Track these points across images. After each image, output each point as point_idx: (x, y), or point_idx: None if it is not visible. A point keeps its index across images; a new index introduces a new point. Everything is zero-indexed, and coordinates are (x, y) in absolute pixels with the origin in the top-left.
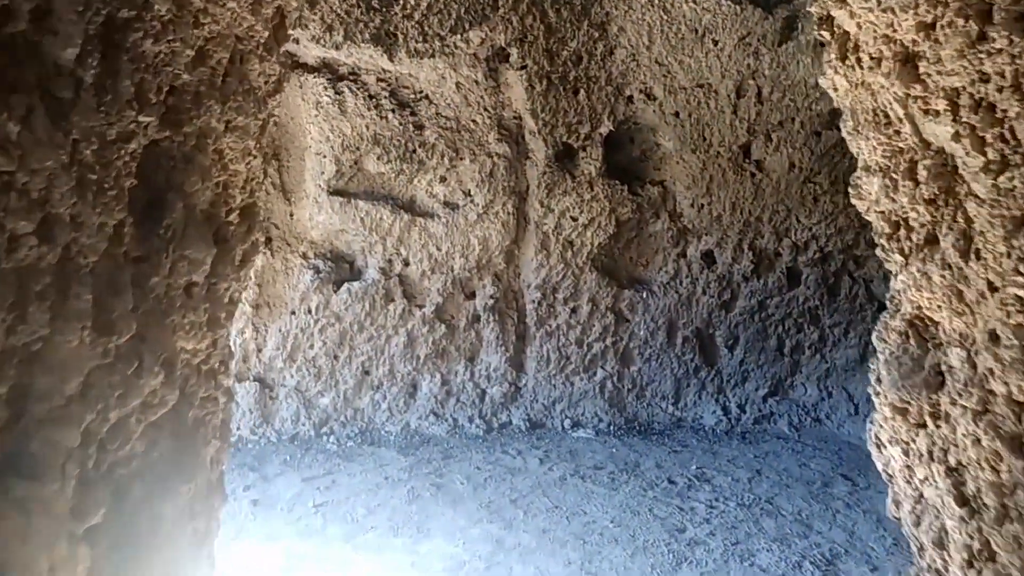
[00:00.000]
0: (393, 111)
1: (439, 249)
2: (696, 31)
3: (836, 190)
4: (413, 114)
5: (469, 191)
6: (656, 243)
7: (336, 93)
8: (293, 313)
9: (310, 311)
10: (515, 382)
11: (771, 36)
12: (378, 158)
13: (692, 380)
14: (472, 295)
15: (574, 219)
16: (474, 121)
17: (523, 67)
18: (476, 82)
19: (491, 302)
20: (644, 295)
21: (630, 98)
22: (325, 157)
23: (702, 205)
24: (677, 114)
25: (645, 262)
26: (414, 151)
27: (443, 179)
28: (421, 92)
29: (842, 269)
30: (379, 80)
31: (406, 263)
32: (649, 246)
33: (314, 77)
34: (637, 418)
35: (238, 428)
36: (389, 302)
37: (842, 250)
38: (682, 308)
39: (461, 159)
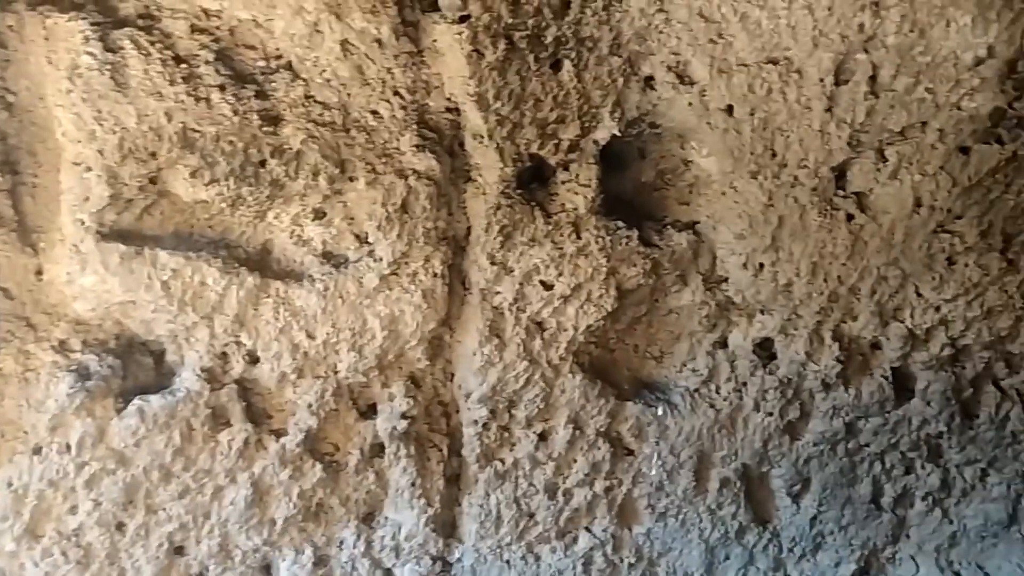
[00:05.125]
0: (222, 89)
1: (312, 336)
2: None
3: (989, 246)
4: (261, 96)
5: (366, 235)
6: (681, 325)
7: (108, 51)
8: (37, 452)
9: (69, 448)
10: (442, 556)
11: None
12: (194, 174)
13: (734, 548)
14: (371, 412)
15: (547, 286)
16: (375, 113)
17: (465, 18)
18: (379, 42)
19: (403, 424)
20: (659, 411)
21: (649, 79)
22: (90, 170)
23: (761, 265)
24: (730, 109)
25: (661, 354)
26: (263, 163)
27: (319, 214)
28: (278, 56)
29: (984, 375)
30: (196, 30)
31: (252, 359)
32: (669, 330)
33: (70, 21)
34: None
35: None
36: (220, 428)
37: (988, 345)
38: (720, 432)
39: (351, 180)
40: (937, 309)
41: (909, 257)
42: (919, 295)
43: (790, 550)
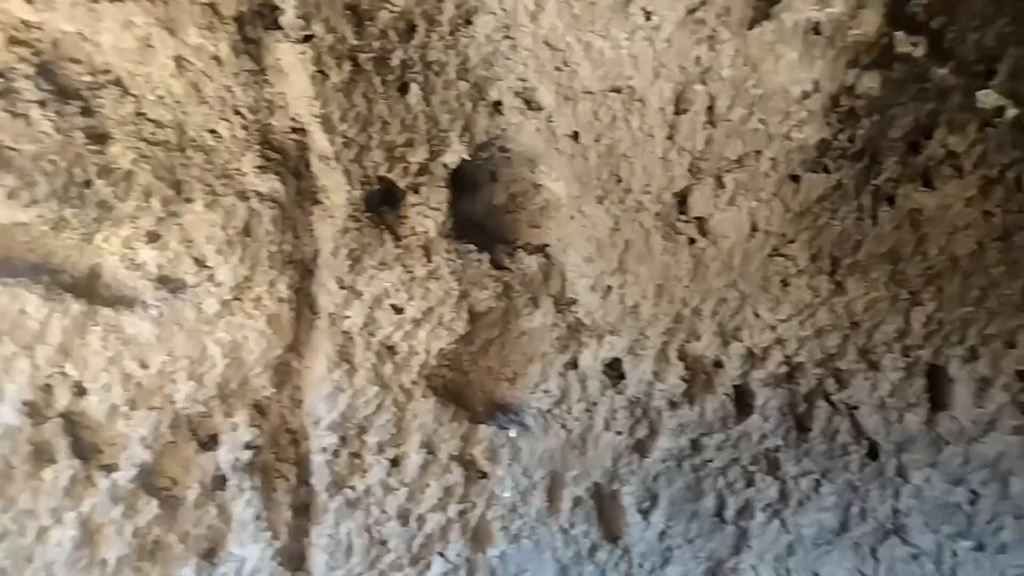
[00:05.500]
0: (43, 105)
1: (145, 366)
2: None
3: (818, 269)
4: (87, 112)
5: (205, 259)
6: (533, 347)
7: None
8: None
9: None
10: None
11: (738, 12)
12: (11, 195)
13: (587, 567)
14: (212, 443)
15: (398, 310)
16: (214, 132)
17: (308, 37)
18: (217, 59)
19: (247, 455)
20: (512, 433)
21: (497, 104)
22: None
23: (609, 288)
24: (576, 135)
25: (514, 376)
26: (88, 184)
27: (153, 237)
28: (105, 71)
29: (817, 391)
30: (14, 42)
31: (80, 391)
32: (522, 352)
33: None
34: None
35: None
36: (44, 465)
37: (819, 362)
38: (572, 452)
39: (188, 201)
40: (773, 329)
41: (747, 279)
42: (757, 315)
43: (640, 565)
